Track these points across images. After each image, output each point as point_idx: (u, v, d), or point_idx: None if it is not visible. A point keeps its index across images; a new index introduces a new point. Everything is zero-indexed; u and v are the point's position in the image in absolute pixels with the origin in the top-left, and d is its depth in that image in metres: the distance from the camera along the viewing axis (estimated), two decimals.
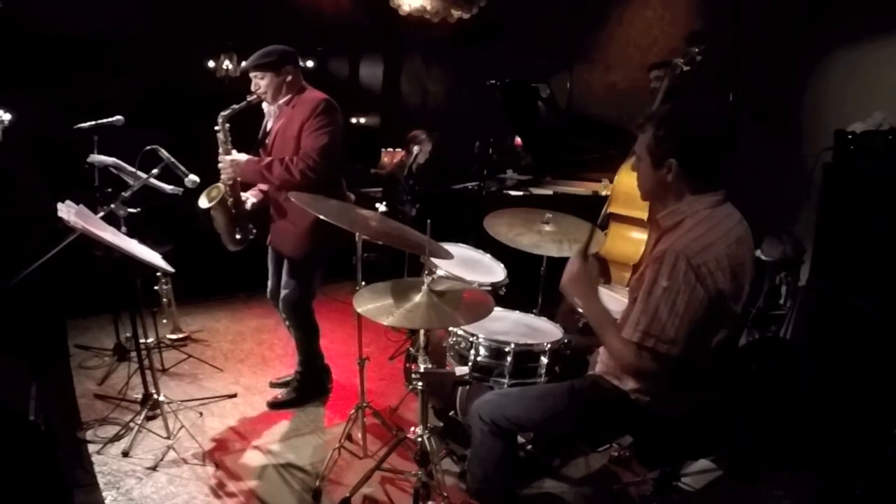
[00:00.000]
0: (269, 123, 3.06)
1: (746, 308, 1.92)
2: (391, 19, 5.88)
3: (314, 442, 2.93)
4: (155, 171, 2.87)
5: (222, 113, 2.88)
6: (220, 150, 2.93)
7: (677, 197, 1.84)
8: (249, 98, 2.91)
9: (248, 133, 3.09)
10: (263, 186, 3.12)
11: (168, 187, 3.20)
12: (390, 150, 6.09)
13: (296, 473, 2.67)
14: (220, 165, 2.94)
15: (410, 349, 3.03)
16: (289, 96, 2.93)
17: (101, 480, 2.49)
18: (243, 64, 2.91)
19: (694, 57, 3.24)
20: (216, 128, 2.89)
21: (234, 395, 3.29)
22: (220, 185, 2.95)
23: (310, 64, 6.01)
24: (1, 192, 3.49)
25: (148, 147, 3.02)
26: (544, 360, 2.45)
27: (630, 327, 1.77)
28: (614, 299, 2.57)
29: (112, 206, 2.91)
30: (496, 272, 3.00)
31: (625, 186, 3.27)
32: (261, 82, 2.88)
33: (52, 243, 2.40)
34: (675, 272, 1.70)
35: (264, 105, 3.00)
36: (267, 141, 3.03)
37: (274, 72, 2.85)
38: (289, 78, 2.90)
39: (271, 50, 2.85)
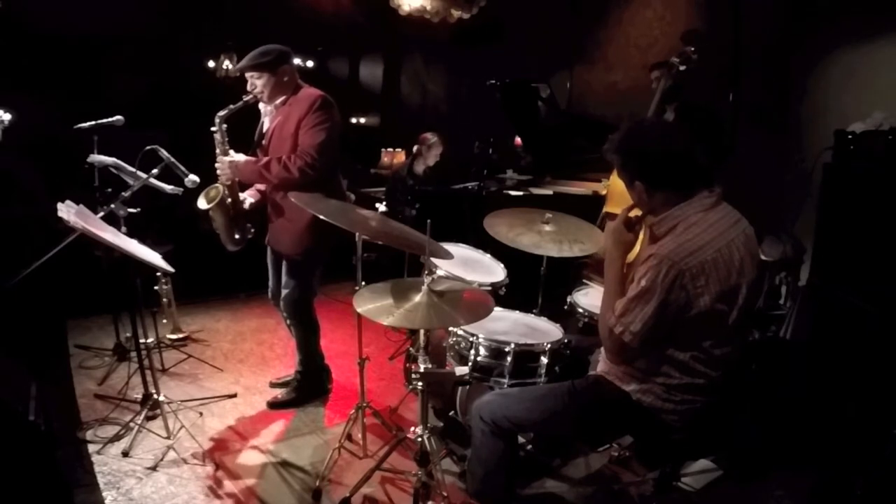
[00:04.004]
0: (265, 123, 3.06)
1: (752, 309, 1.93)
2: (391, 19, 5.88)
3: (314, 442, 2.93)
4: (155, 171, 2.87)
5: (219, 113, 2.87)
6: (218, 150, 2.93)
7: (665, 206, 1.88)
8: (246, 98, 2.89)
9: (245, 133, 3.09)
10: (261, 186, 3.12)
11: (168, 187, 3.20)
12: (390, 150, 6.08)
13: (296, 473, 2.67)
14: (217, 167, 2.94)
15: (410, 349, 3.03)
16: (285, 95, 2.93)
17: (101, 480, 2.49)
18: (239, 64, 2.89)
19: (690, 56, 3.24)
20: (213, 129, 2.89)
21: (234, 395, 3.29)
22: (218, 185, 2.95)
23: (310, 64, 6.00)
24: (1, 192, 3.49)
25: (148, 147, 3.01)
26: (544, 360, 2.45)
27: (612, 309, 1.88)
28: None
29: (112, 206, 2.91)
30: (496, 272, 3.00)
31: (619, 186, 3.25)
32: (257, 82, 2.87)
33: (52, 243, 2.40)
34: (655, 275, 1.76)
35: (260, 105, 3.00)
36: (263, 141, 3.03)
37: (271, 71, 2.84)
38: (285, 77, 2.89)
39: (267, 49, 2.83)
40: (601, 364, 2.12)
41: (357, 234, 2.48)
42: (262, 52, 2.83)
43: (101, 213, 2.78)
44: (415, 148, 4.92)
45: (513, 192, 4.81)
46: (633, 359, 1.91)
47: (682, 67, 3.27)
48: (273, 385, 3.43)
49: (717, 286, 1.78)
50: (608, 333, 1.88)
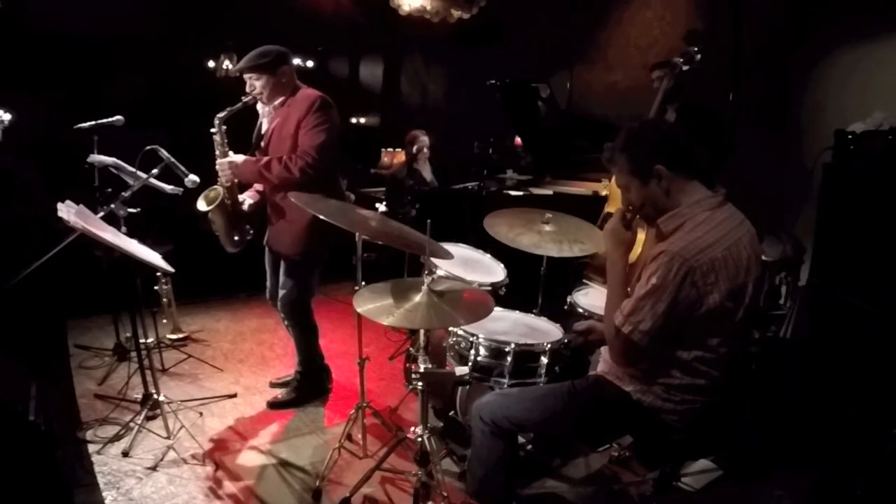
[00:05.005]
0: (263, 124, 3.05)
1: (754, 308, 1.93)
2: (391, 19, 5.88)
3: (314, 442, 2.93)
4: (155, 171, 2.87)
5: (219, 115, 2.86)
6: (217, 152, 2.93)
7: (675, 202, 1.88)
8: (245, 99, 2.89)
9: (244, 135, 3.09)
10: (260, 187, 3.12)
11: (168, 187, 3.20)
12: (390, 150, 6.08)
13: (296, 473, 2.67)
14: (217, 168, 2.94)
15: (410, 349, 3.03)
16: (284, 96, 2.93)
17: (101, 480, 2.50)
18: (238, 65, 2.89)
19: (693, 56, 3.24)
20: (213, 130, 2.88)
21: (234, 395, 3.29)
22: (218, 187, 2.95)
23: (310, 64, 6.00)
24: (1, 192, 3.49)
25: (148, 147, 3.01)
26: (544, 360, 2.45)
27: (618, 310, 1.87)
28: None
29: (112, 206, 2.91)
30: (496, 272, 3.00)
31: None
32: (256, 83, 2.86)
33: (52, 243, 2.40)
34: (666, 272, 1.76)
35: (258, 106, 3.00)
36: (262, 142, 3.03)
37: (270, 73, 2.84)
38: (284, 79, 2.89)
39: (266, 51, 2.83)
40: (601, 364, 2.12)
41: (357, 234, 2.48)
42: (260, 53, 2.82)
43: (101, 213, 2.78)
44: (414, 148, 4.92)
45: (513, 192, 4.81)
46: (640, 360, 1.90)
47: (685, 68, 3.26)
48: (273, 385, 3.43)
49: (726, 284, 1.78)
50: (615, 333, 1.87)
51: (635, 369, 1.94)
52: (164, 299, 3.85)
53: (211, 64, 5.49)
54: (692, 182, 1.88)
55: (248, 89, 2.89)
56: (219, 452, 2.78)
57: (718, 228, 1.82)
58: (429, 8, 5.67)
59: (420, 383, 2.08)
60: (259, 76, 2.85)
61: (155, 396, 2.84)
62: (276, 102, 2.94)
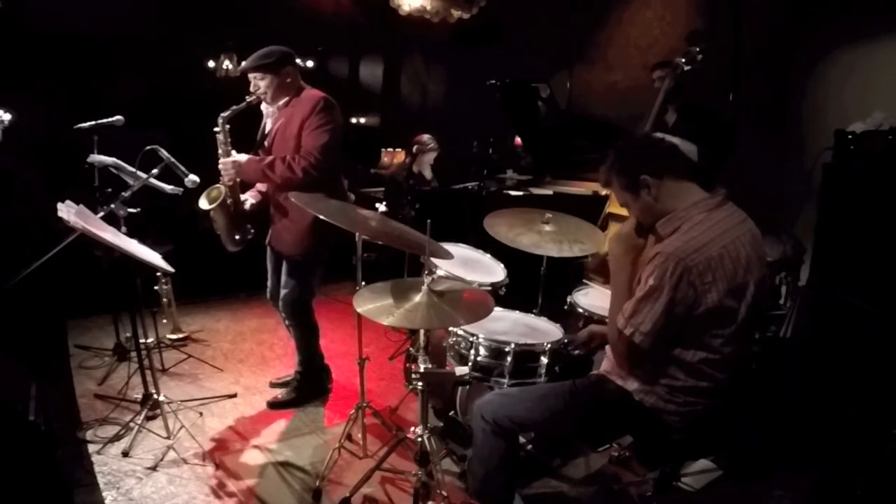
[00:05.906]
0: (267, 124, 3.06)
1: (759, 308, 1.93)
2: (391, 19, 5.88)
3: (314, 442, 2.93)
4: (155, 171, 2.87)
5: (222, 114, 2.87)
6: (220, 151, 2.93)
7: (668, 206, 1.89)
8: (249, 99, 2.90)
9: (247, 134, 3.09)
10: (262, 187, 3.13)
11: (168, 187, 3.20)
12: (390, 150, 6.08)
13: (296, 473, 2.67)
14: (220, 167, 2.94)
15: (410, 349, 3.03)
16: (288, 97, 2.93)
17: (101, 480, 2.50)
18: (242, 64, 2.90)
19: (695, 56, 3.25)
20: (216, 129, 2.89)
21: (234, 395, 3.29)
22: (220, 186, 2.96)
23: (310, 64, 6.00)
24: (1, 192, 3.49)
25: (148, 147, 3.01)
26: (544, 360, 2.45)
27: (621, 312, 1.88)
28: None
29: (112, 206, 2.91)
30: (496, 272, 3.00)
31: None
32: (260, 83, 2.87)
33: (52, 243, 2.40)
34: (662, 273, 1.77)
35: (263, 106, 3.01)
36: (266, 142, 3.03)
37: (274, 73, 2.85)
38: (288, 79, 2.90)
39: (271, 51, 2.84)
40: (605, 363, 2.12)
41: (357, 234, 2.48)
42: (265, 53, 2.83)
43: (101, 213, 2.78)
44: (414, 148, 4.92)
45: (513, 192, 4.81)
46: (643, 362, 1.90)
47: (686, 68, 3.27)
48: (273, 385, 3.43)
49: (724, 283, 1.79)
50: (617, 336, 1.88)
51: (640, 370, 1.94)
52: (164, 299, 3.85)
53: (211, 64, 5.49)
54: (684, 185, 1.89)
55: (251, 89, 2.90)
56: (219, 452, 2.78)
57: (715, 228, 1.83)
58: (429, 8, 5.67)
59: (420, 383, 2.08)
60: (263, 76, 2.86)
61: (155, 396, 2.83)
62: (281, 103, 2.94)
